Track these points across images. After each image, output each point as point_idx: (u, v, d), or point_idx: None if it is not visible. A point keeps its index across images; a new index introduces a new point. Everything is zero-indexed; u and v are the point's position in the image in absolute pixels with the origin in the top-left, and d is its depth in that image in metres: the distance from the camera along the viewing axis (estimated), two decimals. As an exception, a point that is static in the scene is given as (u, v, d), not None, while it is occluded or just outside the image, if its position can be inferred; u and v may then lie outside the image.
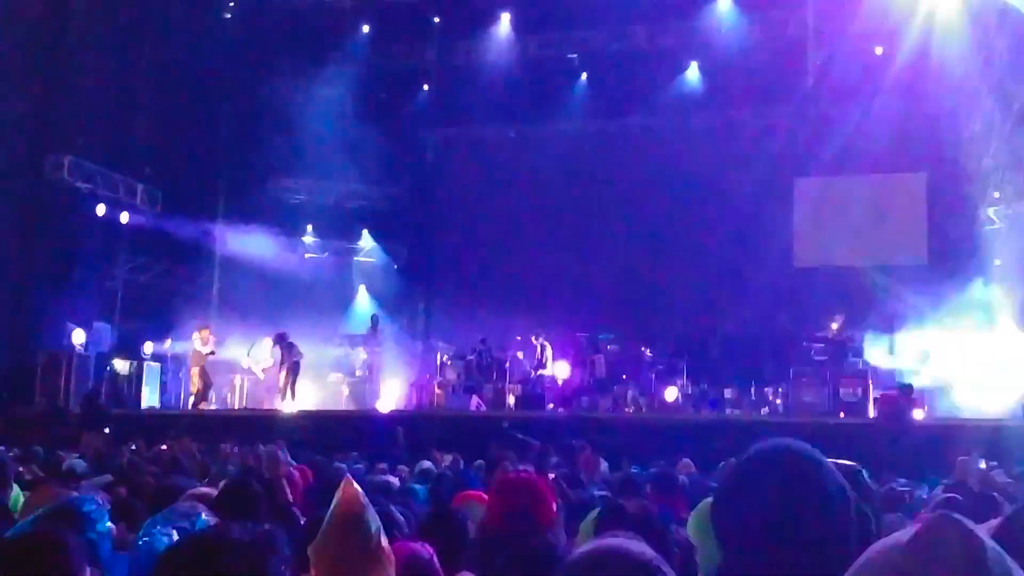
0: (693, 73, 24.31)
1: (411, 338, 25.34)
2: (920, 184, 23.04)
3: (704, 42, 23.53)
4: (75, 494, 4.39)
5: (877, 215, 22.81)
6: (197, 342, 20.24)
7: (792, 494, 1.97)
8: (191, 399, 20.35)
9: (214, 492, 4.84)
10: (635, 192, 24.27)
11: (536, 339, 21.29)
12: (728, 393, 20.93)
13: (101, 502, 4.28)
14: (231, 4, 22.94)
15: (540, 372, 21.18)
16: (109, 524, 3.55)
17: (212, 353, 20.41)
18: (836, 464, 2.62)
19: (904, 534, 1.34)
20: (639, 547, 1.89)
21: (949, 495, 6.53)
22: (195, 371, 20.25)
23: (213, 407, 20.50)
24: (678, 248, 24.07)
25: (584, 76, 25.12)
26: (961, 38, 20.22)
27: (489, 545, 3.59)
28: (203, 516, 3.57)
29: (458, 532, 4.16)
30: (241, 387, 22.05)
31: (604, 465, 11.21)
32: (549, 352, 21.18)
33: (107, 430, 17.15)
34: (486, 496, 4.99)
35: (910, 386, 17.40)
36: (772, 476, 2.00)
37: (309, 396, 21.58)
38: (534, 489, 4.17)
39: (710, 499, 2.60)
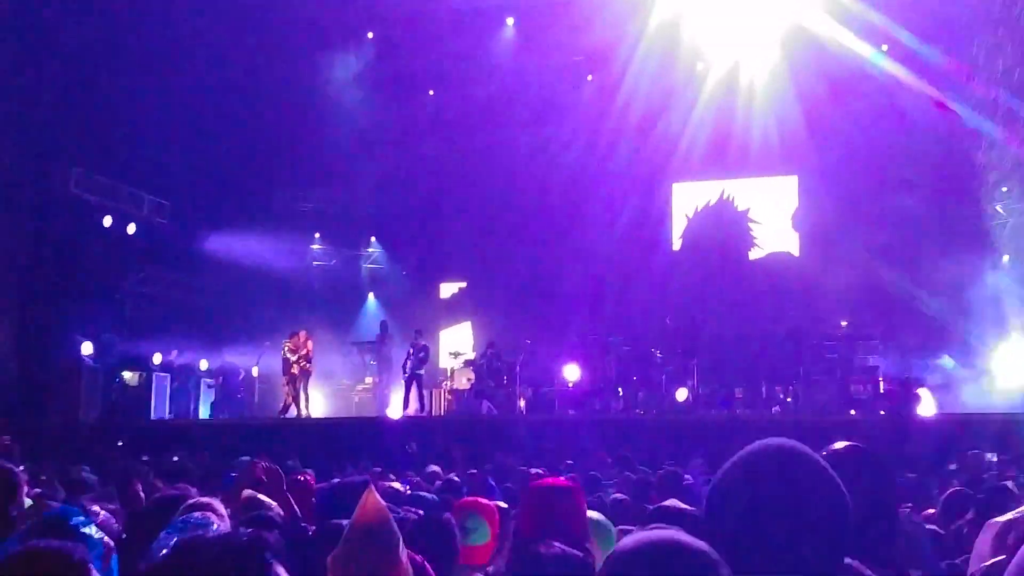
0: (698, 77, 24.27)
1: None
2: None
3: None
4: (56, 505, 4.39)
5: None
6: (286, 350, 20.18)
7: (788, 490, 1.97)
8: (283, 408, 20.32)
9: (216, 502, 4.82)
10: (638, 192, 24.30)
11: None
12: (739, 392, 20.91)
13: (97, 513, 4.28)
14: (237, 13, 22.89)
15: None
16: (100, 535, 3.53)
17: (306, 361, 20.26)
18: (855, 447, 2.62)
19: None
20: (691, 538, 1.87)
21: (957, 489, 6.52)
22: (284, 380, 20.22)
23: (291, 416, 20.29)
24: (686, 247, 24.10)
25: (589, 77, 25.10)
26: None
27: (521, 554, 3.48)
28: (215, 526, 3.57)
29: (446, 540, 4.08)
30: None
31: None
32: None
33: (120, 443, 17.22)
34: (488, 503, 4.95)
35: (914, 379, 17.37)
36: (767, 473, 2.00)
37: (318, 403, 21.60)
38: (566, 494, 4.04)
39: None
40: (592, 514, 4.25)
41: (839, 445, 2.62)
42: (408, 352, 20.65)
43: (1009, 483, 6.64)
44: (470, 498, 5.52)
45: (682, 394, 20.31)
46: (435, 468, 10.71)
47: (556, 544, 3.18)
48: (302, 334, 20.22)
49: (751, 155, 23.36)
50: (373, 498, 2.71)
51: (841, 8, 20.91)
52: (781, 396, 20.21)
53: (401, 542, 2.68)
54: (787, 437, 2.13)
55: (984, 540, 2.59)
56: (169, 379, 21.73)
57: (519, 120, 24.80)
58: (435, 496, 7.23)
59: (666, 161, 24.01)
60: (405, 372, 20.45)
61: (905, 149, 21.97)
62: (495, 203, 25.38)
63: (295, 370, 19.94)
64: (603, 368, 21.27)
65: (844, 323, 20.67)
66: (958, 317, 20.58)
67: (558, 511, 3.88)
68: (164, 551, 3.40)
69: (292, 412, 19.85)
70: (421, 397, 20.57)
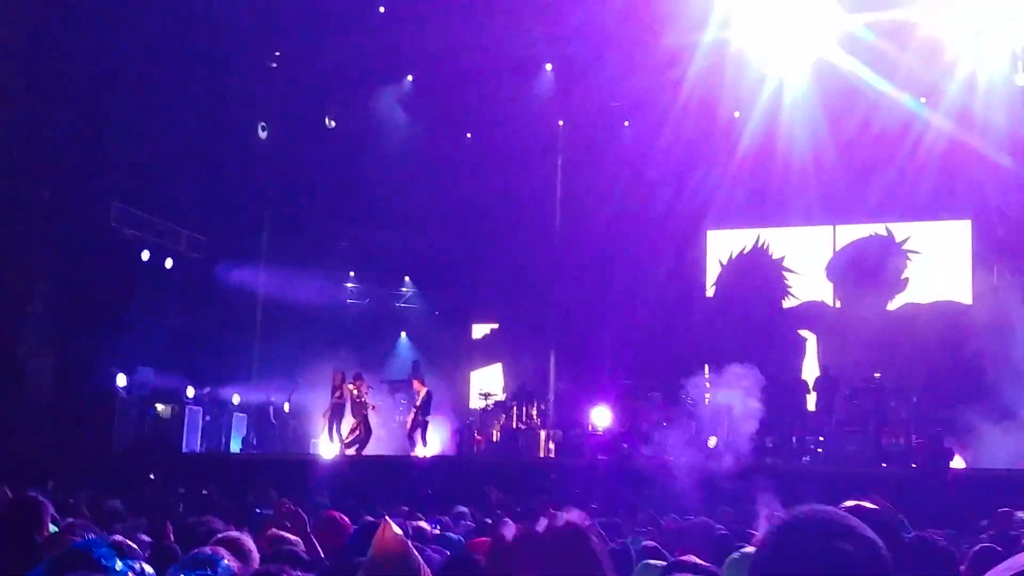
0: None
1: (452, 385, 25.36)
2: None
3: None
4: (79, 539, 4.43)
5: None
6: (355, 392, 20.40)
7: (830, 562, 1.98)
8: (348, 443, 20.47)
9: (244, 536, 4.87)
10: (673, 238, 24.30)
11: None
12: (769, 441, 20.77)
13: (125, 545, 4.33)
14: (277, 54, 23.24)
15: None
16: (124, 567, 3.57)
17: (368, 404, 20.50)
18: (876, 504, 2.65)
19: None
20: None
21: (987, 545, 6.46)
22: (357, 420, 20.38)
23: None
24: (720, 294, 24.07)
25: (626, 123, 25.17)
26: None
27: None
28: (225, 562, 3.58)
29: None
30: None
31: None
32: None
33: (151, 475, 17.34)
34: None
35: (942, 434, 17.18)
36: (811, 545, 2.00)
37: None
38: (580, 539, 3.95)
39: (742, 551, 2.60)
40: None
41: (848, 504, 2.63)
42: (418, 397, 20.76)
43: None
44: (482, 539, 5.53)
45: (712, 441, 20.21)
46: (462, 509, 10.72)
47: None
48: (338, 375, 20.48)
49: (788, 204, 23.34)
50: (390, 529, 2.74)
51: (878, 57, 20.94)
52: (812, 446, 20.08)
53: (423, 571, 2.70)
54: (815, 487, 2.16)
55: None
56: (201, 412, 21.85)
57: (555, 163, 24.93)
58: (461, 537, 7.25)
59: (703, 208, 24.01)
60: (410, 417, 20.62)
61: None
62: (530, 246, 25.42)
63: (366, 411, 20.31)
64: (635, 414, 21.21)
65: (877, 374, 20.52)
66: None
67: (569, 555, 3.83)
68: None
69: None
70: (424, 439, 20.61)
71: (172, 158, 20.99)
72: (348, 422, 20.35)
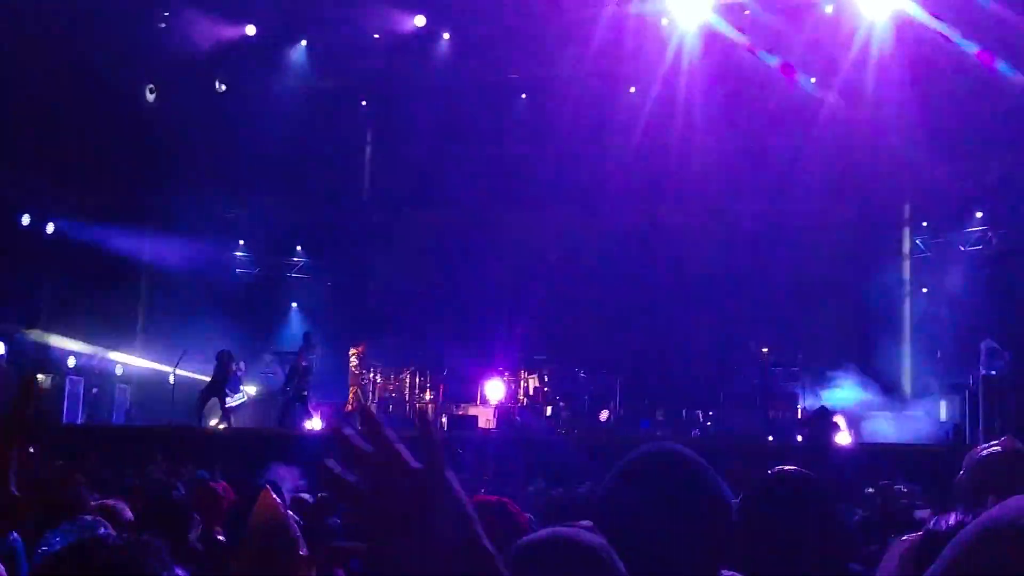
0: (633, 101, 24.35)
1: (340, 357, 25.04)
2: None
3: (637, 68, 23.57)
4: None
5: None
6: (354, 360, 20.18)
7: (670, 492, 1.98)
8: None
9: (121, 505, 4.72)
10: (573, 214, 24.31)
11: None
12: (659, 415, 21.02)
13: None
14: (166, 15, 22.58)
15: None
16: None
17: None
18: (798, 472, 2.61)
19: None
20: (589, 535, 1.88)
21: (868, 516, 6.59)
22: (353, 389, 20.18)
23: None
24: (614, 270, 24.14)
25: (523, 96, 25.13)
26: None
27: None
28: (103, 530, 3.47)
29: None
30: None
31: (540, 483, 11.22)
32: None
33: (31, 449, 16.81)
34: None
35: (827, 409, 17.56)
36: (650, 476, 2.01)
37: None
38: (504, 512, 3.85)
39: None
40: None
41: (788, 468, 2.62)
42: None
43: (920, 512, 6.72)
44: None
45: (603, 415, 20.39)
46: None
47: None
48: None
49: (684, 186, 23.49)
50: (268, 499, 2.66)
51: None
52: (701, 419, 20.37)
53: (301, 540, 2.63)
54: (705, 460, 2.11)
55: (891, 558, 2.59)
56: (83, 383, 21.28)
57: (459, 135, 24.79)
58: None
59: (599, 185, 24.08)
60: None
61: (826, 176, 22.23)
62: (424, 218, 25.27)
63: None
64: (527, 386, 21.33)
65: (765, 349, 20.88)
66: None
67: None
68: (44, 548, 3.30)
69: None
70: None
71: (57, 120, 20.30)
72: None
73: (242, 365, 21.47)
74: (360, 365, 21.26)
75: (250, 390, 22.38)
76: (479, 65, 23.89)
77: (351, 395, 21.93)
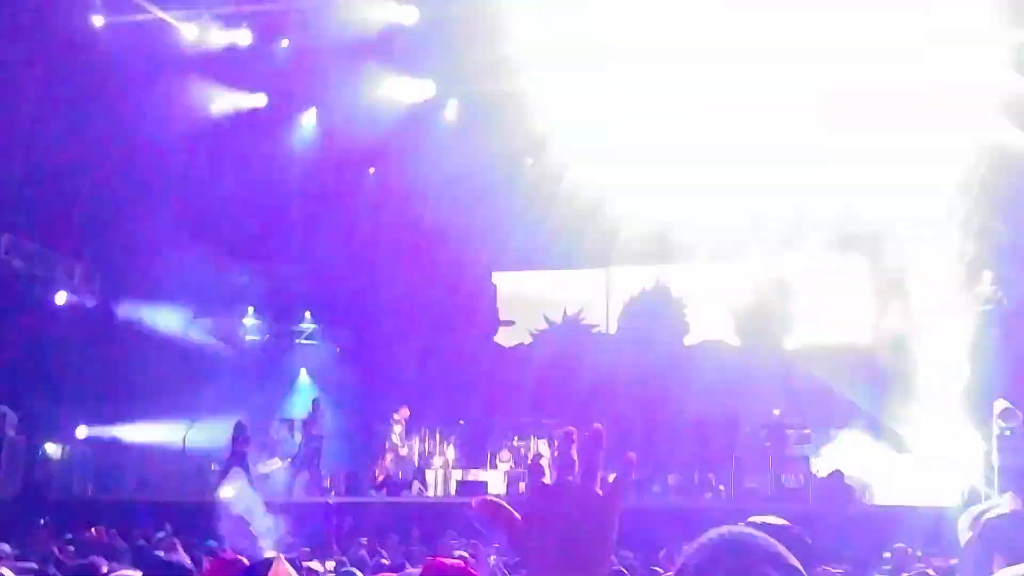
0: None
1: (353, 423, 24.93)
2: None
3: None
4: None
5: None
6: (397, 427, 20.30)
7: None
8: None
9: (134, 573, 4.70)
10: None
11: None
12: (671, 480, 20.85)
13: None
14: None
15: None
16: None
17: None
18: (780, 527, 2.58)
19: None
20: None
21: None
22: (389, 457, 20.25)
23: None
24: (622, 334, 24.18)
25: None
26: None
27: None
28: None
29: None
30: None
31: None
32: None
33: (42, 520, 16.73)
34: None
35: (840, 472, 17.45)
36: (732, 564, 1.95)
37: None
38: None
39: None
40: None
41: (772, 519, 2.58)
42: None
43: (930, 571, 6.71)
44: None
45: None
46: (364, 552, 10.55)
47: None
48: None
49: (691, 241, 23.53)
50: (282, 567, 2.63)
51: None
52: (714, 483, 20.20)
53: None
54: (719, 525, 2.08)
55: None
56: (93, 454, 21.24)
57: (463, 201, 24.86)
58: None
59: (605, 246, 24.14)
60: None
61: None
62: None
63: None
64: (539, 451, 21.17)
65: (776, 411, 20.75)
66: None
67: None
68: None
69: None
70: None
71: (65, 188, 20.42)
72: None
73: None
74: (405, 430, 21.05)
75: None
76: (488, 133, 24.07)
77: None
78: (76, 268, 22.08)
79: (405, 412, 20.93)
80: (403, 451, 20.54)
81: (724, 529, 2.02)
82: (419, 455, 22.11)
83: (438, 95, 24.14)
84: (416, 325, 25.33)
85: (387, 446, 21.26)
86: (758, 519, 2.69)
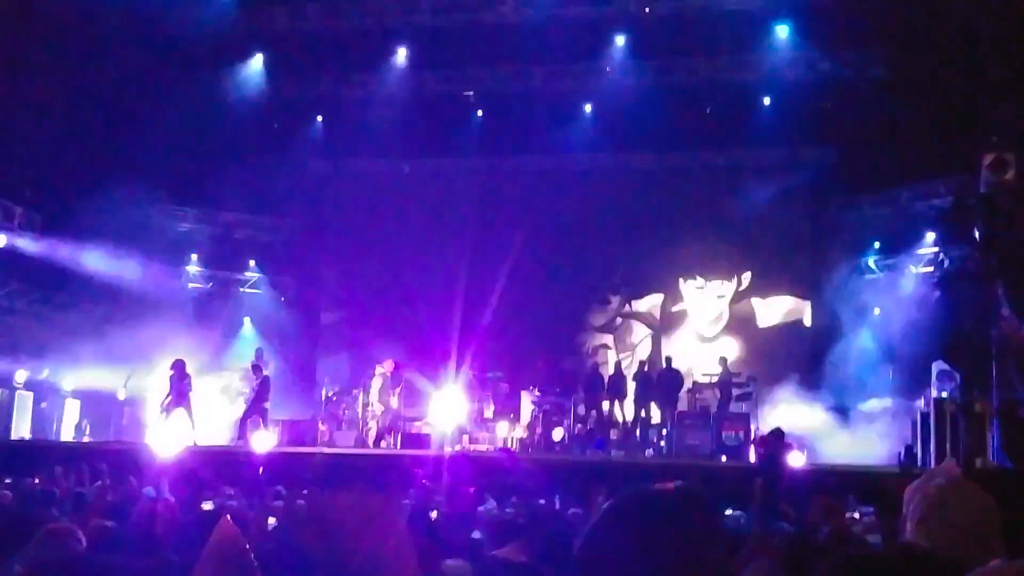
0: (587, 114, 24.42)
1: (296, 373, 24.79)
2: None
3: (599, 85, 23.66)
4: None
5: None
6: (378, 380, 20.00)
7: (667, 535, 1.91)
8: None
9: (74, 527, 4.66)
10: (526, 231, 24.28)
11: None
12: (613, 434, 21.01)
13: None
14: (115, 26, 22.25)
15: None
16: None
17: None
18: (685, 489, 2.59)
19: None
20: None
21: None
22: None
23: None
24: (568, 288, 24.21)
25: (480, 112, 25.07)
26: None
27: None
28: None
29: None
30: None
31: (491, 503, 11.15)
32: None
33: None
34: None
35: (780, 430, 17.61)
36: (647, 517, 1.94)
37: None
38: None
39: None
40: None
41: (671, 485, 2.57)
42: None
43: (873, 538, 6.79)
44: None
45: (558, 434, 20.33)
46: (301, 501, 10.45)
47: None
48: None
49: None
50: (229, 526, 2.58)
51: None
52: (655, 440, 20.36)
53: (257, 571, 2.55)
54: (658, 481, 2.07)
55: None
56: (33, 398, 20.98)
57: (412, 149, 24.76)
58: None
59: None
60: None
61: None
62: (376, 233, 25.18)
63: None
64: (481, 405, 21.23)
65: (720, 369, 20.93)
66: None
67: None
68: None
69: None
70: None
71: (4, 130, 19.99)
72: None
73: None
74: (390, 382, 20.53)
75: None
76: (435, 79, 23.93)
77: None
78: (16, 210, 21.65)
79: (389, 365, 20.48)
80: (394, 403, 20.16)
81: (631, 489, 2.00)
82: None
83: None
84: (361, 277, 25.25)
85: (368, 400, 20.88)
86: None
